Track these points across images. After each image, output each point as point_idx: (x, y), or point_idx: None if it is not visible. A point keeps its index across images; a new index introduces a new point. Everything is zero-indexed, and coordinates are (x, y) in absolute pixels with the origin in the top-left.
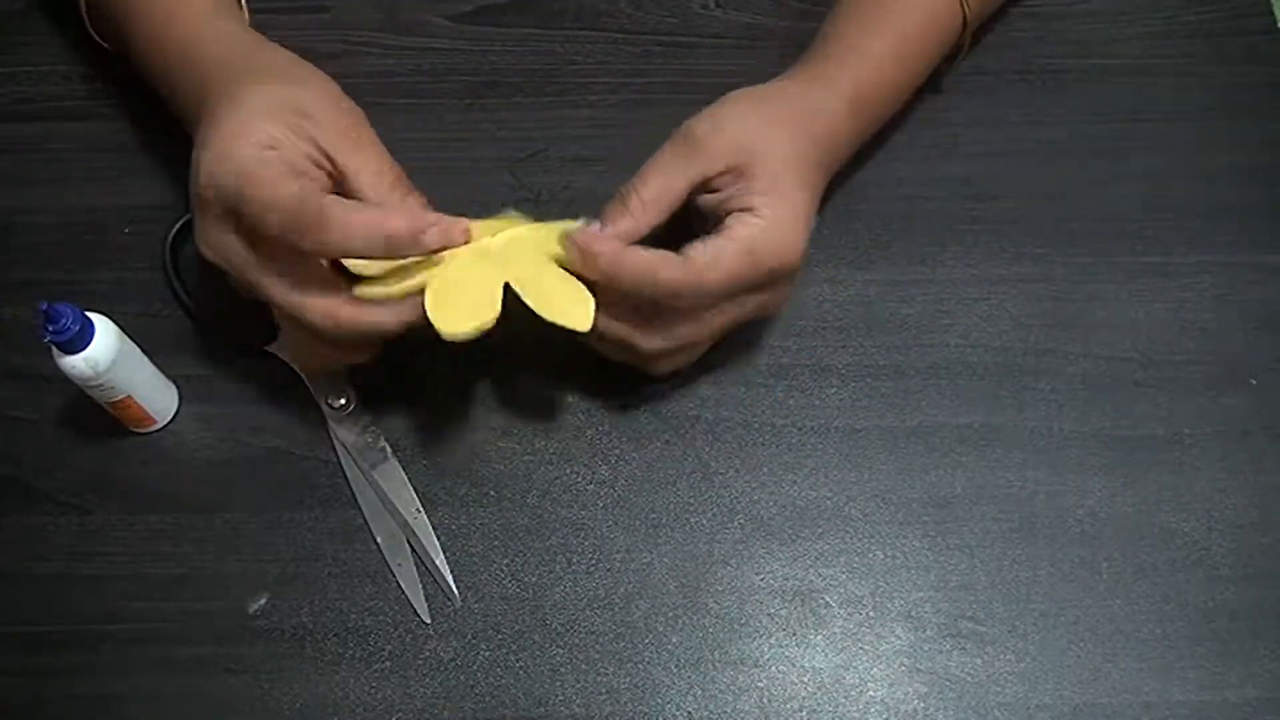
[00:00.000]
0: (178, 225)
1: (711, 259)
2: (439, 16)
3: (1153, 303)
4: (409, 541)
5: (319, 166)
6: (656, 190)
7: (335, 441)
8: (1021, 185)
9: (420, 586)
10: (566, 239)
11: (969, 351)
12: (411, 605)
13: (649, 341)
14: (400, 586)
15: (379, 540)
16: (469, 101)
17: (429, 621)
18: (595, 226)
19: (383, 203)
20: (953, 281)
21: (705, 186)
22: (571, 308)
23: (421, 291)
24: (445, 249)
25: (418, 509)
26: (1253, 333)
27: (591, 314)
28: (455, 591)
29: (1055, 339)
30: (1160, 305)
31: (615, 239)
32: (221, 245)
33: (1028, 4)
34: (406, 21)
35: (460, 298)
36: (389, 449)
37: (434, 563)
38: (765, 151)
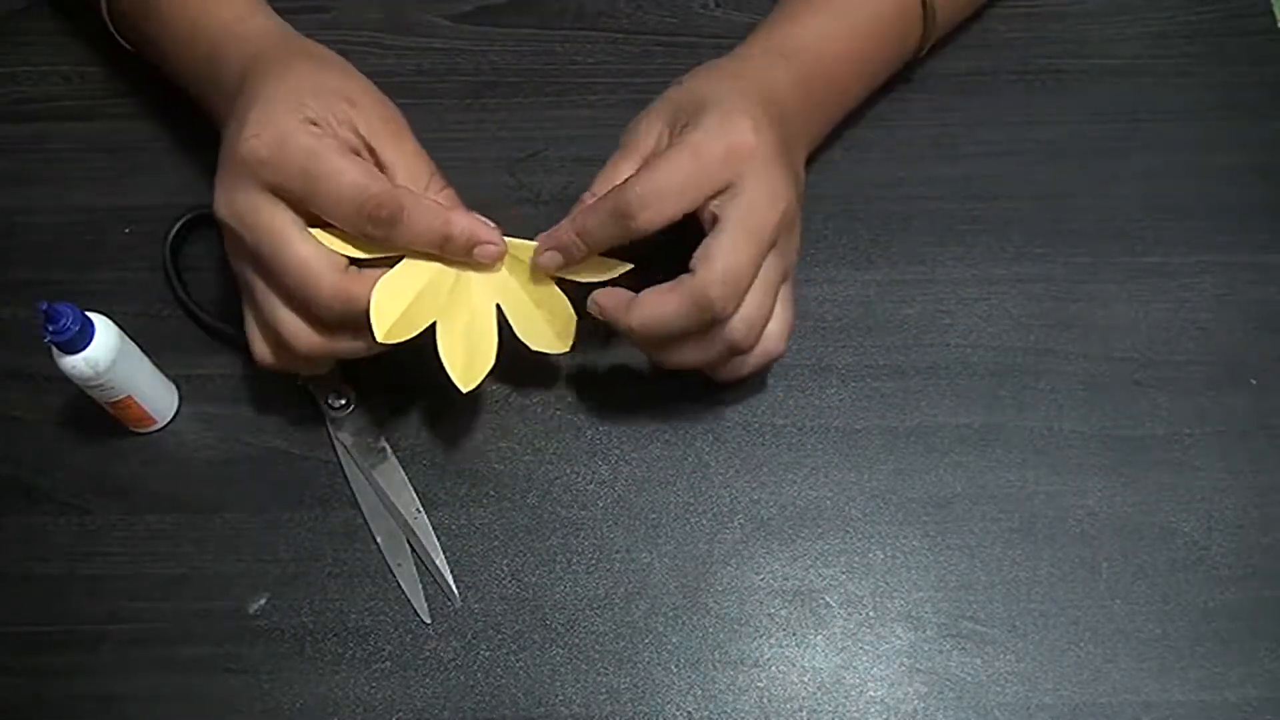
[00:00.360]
0: (177, 225)
1: (722, 253)
2: (439, 16)
3: (1153, 303)
4: (409, 541)
5: (358, 154)
6: (630, 134)
7: (335, 442)
8: (1021, 185)
9: (420, 586)
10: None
11: (969, 351)
12: (411, 605)
13: (731, 363)
14: (400, 586)
15: (379, 540)
16: (469, 101)
17: (429, 622)
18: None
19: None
20: (953, 281)
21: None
22: (551, 335)
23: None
24: (484, 264)
25: (418, 509)
26: (1253, 333)
27: (571, 335)
28: (455, 591)
29: (1055, 339)
30: (1160, 305)
31: (620, 294)
32: (251, 209)
33: (1028, 4)
34: (406, 21)
35: (468, 346)
36: (389, 449)
37: (434, 563)
38: (712, 94)
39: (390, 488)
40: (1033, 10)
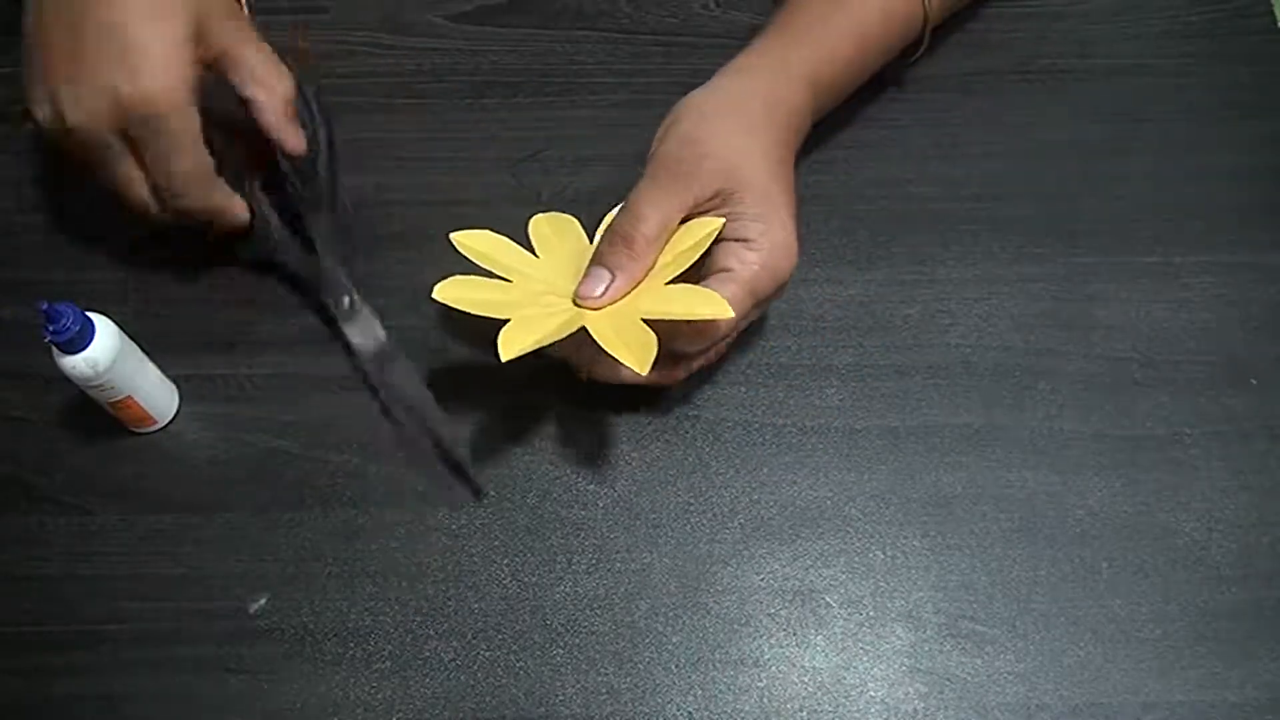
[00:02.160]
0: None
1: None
2: (439, 16)
3: (1153, 303)
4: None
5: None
6: (657, 227)
7: (350, 343)
8: (1021, 185)
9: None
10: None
11: (969, 351)
12: (463, 481)
13: (668, 378)
14: (449, 462)
15: (404, 427)
16: (469, 101)
17: (482, 493)
18: (605, 276)
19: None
20: (953, 281)
21: (695, 210)
22: (634, 350)
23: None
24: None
25: (434, 403)
26: (1253, 333)
27: (649, 363)
28: (478, 485)
29: (1055, 339)
30: (1160, 305)
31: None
32: (99, 135)
33: (1028, 4)
34: (406, 21)
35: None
36: (398, 346)
37: (458, 453)
38: (750, 170)
39: (403, 383)
40: (1033, 10)
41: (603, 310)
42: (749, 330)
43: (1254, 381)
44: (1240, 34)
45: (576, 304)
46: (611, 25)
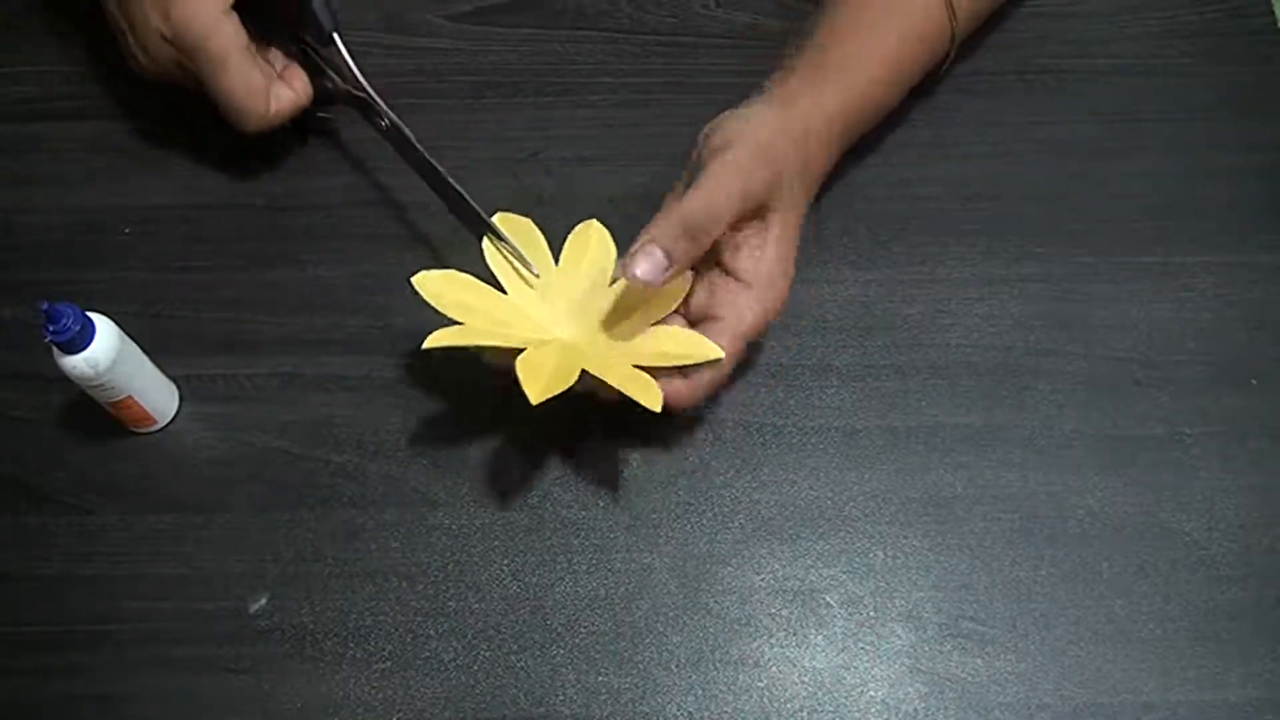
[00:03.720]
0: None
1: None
2: (439, 16)
3: (1153, 303)
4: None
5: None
6: (725, 228)
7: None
8: (1021, 185)
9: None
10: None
11: (969, 351)
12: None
13: (682, 401)
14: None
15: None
16: (469, 101)
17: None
18: (661, 259)
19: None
20: (953, 281)
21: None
22: (644, 392)
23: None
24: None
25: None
26: (1253, 333)
27: (660, 399)
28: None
29: (1055, 339)
30: (1160, 305)
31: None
32: (168, 72)
33: (1028, 4)
34: (406, 21)
35: (545, 368)
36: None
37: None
38: (785, 192)
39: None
40: (1033, 10)
41: (598, 354)
42: None
43: (1254, 381)
44: (1240, 34)
45: (625, 277)
46: (611, 25)
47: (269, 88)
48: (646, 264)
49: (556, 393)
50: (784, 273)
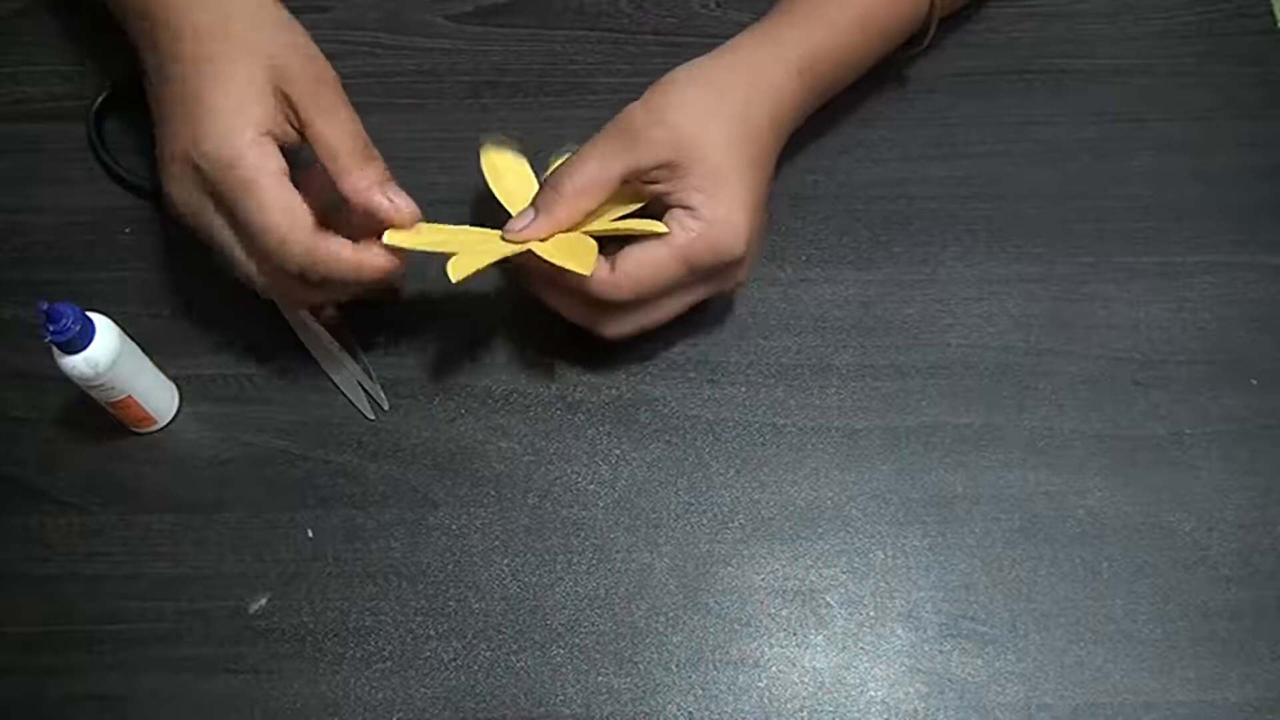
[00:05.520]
0: (100, 99)
1: (645, 267)
2: (439, 16)
3: (1153, 303)
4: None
5: (291, 127)
6: (588, 180)
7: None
8: (1021, 185)
9: (363, 393)
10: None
11: (969, 351)
12: (356, 407)
13: (607, 328)
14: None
15: (315, 357)
16: (469, 101)
17: (371, 419)
18: (530, 215)
19: (341, 169)
20: (953, 281)
21: (643, 177)
22: (578, 257)
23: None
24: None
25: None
26: (1253, 333)
27: (593, 264)
28: (384, 397)
29: (1055, 339)
30: (1160, 305)
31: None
32: (200, 208)
33: (1028, 4)
34: (406, 21)
35: (477, 249)
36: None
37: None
38: (704, 145)
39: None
40: (1033, 10)
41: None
42: (749, 330)
43: (1254, 381)
44: (1240, 34)
45: (503, 239)
46: (611, 25)
47: (317, 224)
48: (517, 218)
49: (479, 267)
50: (729, 202)
